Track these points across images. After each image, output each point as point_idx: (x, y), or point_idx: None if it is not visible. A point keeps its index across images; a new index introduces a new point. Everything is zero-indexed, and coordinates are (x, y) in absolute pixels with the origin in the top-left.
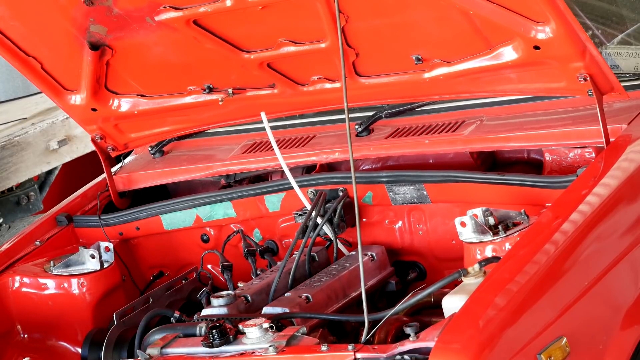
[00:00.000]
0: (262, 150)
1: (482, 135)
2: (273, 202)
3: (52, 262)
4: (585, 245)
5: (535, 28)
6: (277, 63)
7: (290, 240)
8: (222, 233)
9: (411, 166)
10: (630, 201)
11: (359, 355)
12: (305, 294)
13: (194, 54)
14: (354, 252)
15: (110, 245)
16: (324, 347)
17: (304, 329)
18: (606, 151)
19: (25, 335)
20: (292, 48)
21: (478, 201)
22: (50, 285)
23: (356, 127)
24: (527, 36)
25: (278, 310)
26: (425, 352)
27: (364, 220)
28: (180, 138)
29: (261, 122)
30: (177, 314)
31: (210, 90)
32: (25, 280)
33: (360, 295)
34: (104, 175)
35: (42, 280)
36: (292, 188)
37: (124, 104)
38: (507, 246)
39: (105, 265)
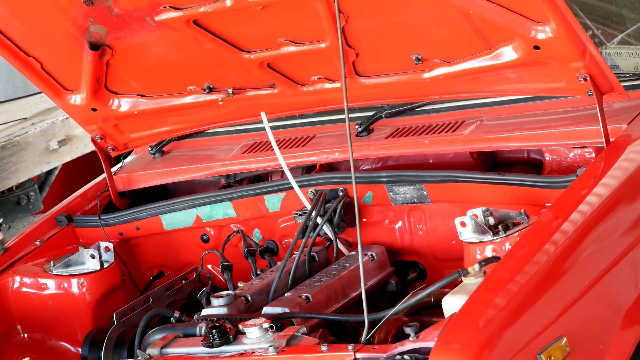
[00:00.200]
0: (262, 150)
1: (482, 135)
2: (273, 202)
3: (52, 262)
4: (585, 245)
5: (535, 28)
6: (277, 63)
7: (290, 240)
8: (222, 233)
9: (411, 166)
10: (630, 201)
11: (359, 355)
12: (305, 294)
13: (194, 54)
14: (354, 252)
15: (110, 245)
16: (324, 347)
17: (304, 329)
18: (606, 151)
19: (25, 335)
20: (292, 48)
21: (478, 201)
22: (50, 285)
23: (356, 127)
24: (527, 36)
25: (278, 310)
26: (425, 352)
27: (364, 220)
28: (180, 138)
29: (261, 122)
30: (177, 314)
31: (210, 90)
32: (25, 280)
33: (360, 295)
34: (104, 175)
35: (42, 280)
36: (292, 188)
37: (124, 104)
38: (507, 246)
39: (105, 265)
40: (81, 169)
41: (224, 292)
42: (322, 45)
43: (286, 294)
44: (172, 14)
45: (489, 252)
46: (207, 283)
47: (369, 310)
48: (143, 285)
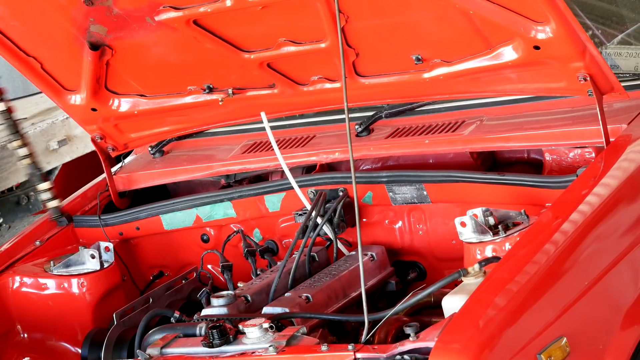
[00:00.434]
0: (262, 150)
1: (482, 135)
2: (273, 202)
3: (52, 262)
4: (585, 245)
5: (535, 28)
6: (277, 63)
7: (290, 240)
8: (222, 233)
9: (411, 166)
10: (630, 201)
11: (359, 355)
12: (305, 294)
13: (194, 54)
14: (354, 252)
15: (110, 245)
16: (324, 347)
17: (304, 329)
18: (606, 151)
19: (25, 335)
20: (292, 48)
21: (478, 201)
22: (50, 285)
23: (356, 127)
24: (527, 36)
25: (278, 310)
26: (425, 352)
27: (364, 220)
28: (180, 138)
29: (261, 122)
30: (177, 314)
31: (210, 90)
32: (26, 280)
33: (360, 295)
34: (104, 175)
35: (42, 280)
36: (292, 188)
37: (124, 104)
38: (507, 246)
39: (105, 265)
40: (81, 169)
41: (224, 292)
42: (322, 45)
43: (286, 294)
44: (172, 14)
45: (489, 252)
46: (207, 283)
47: (369, 310)
48: (143, 285)
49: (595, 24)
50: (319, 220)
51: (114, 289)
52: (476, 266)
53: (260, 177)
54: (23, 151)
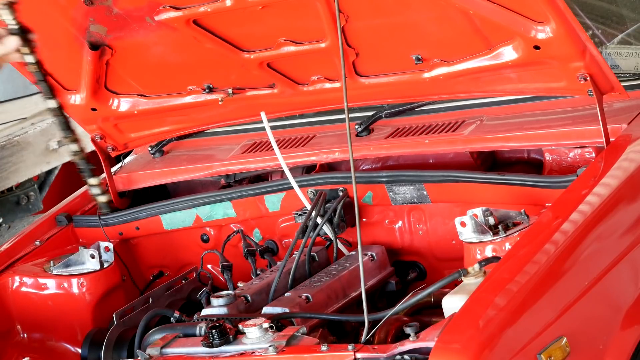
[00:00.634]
0: (262, 150)
1: (482, 135)
2: (273, 202)
3: (51, 262)
4: (585, 245)
5: (535, 28)
6: (277, 63)
7: (290, 240)
8: (222, 233)
9: (411, 166)
10: (630, 201)
11: (359, 355)
12: (305, 294)
13: (193, 54)
14: (354, 252)
15: (110, 245)
16: (324, 347)
17: (304, 329)
18: (606, 151)
19: (25, 335)
20: (292, 48)
21: (478, 201)
22: (50, 285)
23: (356, 127)
24: (527, 36)
25: (278, 310)
26: (425, 352)
27: (364, 220)
28: (180, 138)
29: (261, 122)
30: (177, 314)
31: (210, 90)
32: (25, 280)
33: (360, 295)
34: (104, 175)
35: (42, 280)
36: (292, 188)
37: (124, 104)
38: (507, 246)
39: (105, 265)
40: None
41: (224, 292)
42: (322, 45)
43: (286, 294)
44: (172, 14)
45: (489, 252)
46: (207, 283)
47: (369, 310)
48: (143, 285)
49: (596, 23)
50: (318, 220)
51: (114, 289)
52: (476, 266)
53: (260, 177)
54: (74, 147)
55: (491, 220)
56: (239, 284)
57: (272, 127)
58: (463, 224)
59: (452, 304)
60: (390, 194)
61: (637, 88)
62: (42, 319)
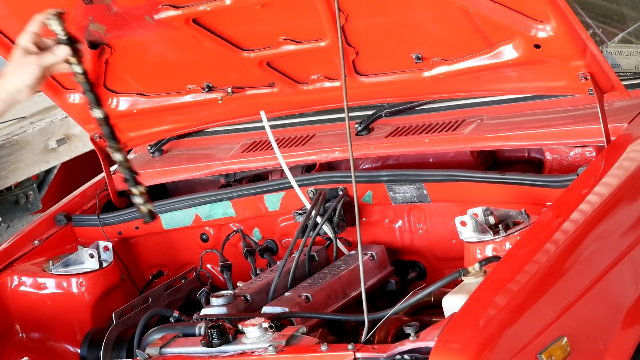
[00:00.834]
0: (261, 149)
1: (482, 134)
2: (272, 201)
3: (50, 261)
4: (585, 245)
5: (535, 27)
6: (276, 62)
7: (290, 239)
8: (221, 232)
9: (411, 165)
10: (631, 200)
11: (358, 355)
12: (305, 294)
13: (193, 53)
14: (353, 252)
15: (109, 245)
16: (323, 347)
17: (304, 329)
18: (607, 150)
19: (24, 335)
20: (291, 47)
21: (478, 200)
22: (49, 285)
23: (356, 126)
24: (528, 35)
25: (278, 309)
26: (425, 352)
27: (364, 219)
28: (179, 137)
29: (261, 121)
30: (176, 314)
31: (210, 89)
32: (24, 279)
33: (360, 294)
34: (103, 174)
35: (40, 280)
36: (291, 187)
37: (123, 103)
38: (508, 245)
39: (104, 264)
40: (80, 168)
41: (224, 292)
42: (322, 44)
43: (286, 294)
44: (172, 13)
45: (489, 252)
46: (207, 282)
47: (369, 310)
48: (142, 284)
49: (596, 22)
50: (318, 219)
51: (113, 289)
52: (476, 265)
53: (259, 176)
54: (119, 156)
55: (491, 220)
56: (238, 284)
57: (271, 126)
58: (463, 224)
59: (452, 303)
60: (390, 193)
61: (638, 87)
62: (41, 318)
